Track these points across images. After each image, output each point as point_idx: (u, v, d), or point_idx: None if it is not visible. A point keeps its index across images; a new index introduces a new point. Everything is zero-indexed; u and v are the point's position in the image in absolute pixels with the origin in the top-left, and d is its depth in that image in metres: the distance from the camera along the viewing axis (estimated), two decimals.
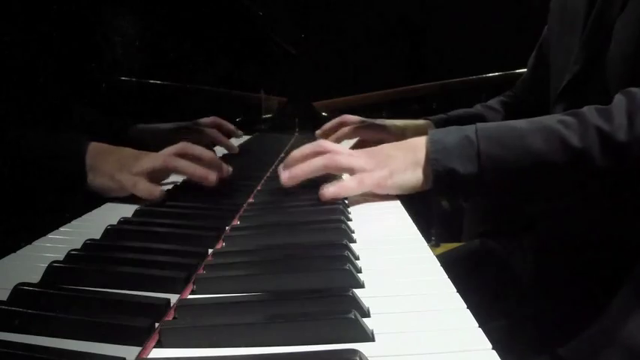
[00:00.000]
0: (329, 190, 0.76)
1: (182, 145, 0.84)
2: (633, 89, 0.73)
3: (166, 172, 0.84)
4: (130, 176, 0.78)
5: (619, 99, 0.73)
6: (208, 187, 0.84)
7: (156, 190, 0.79)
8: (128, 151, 0.81)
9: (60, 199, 0.73)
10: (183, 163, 0.82)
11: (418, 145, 0.76)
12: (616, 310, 0.77)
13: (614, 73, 0.81)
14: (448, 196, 0.78)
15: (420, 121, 1.18)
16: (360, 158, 0.79)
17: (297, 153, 0.82)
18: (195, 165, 0.83)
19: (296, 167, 0.80)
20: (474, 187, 0.73)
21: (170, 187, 0.89)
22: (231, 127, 1.30)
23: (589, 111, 0.73)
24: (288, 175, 0.80)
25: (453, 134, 0.75)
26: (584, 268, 0.85)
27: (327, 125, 1.26)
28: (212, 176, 0.83)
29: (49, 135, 0.76)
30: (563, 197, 0.78)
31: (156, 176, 0.82)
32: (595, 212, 0.85)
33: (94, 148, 0.78)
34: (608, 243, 0.83)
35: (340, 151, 0.81)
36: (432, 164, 0.73)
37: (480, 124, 0.76)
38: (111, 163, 0.78)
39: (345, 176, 0.81)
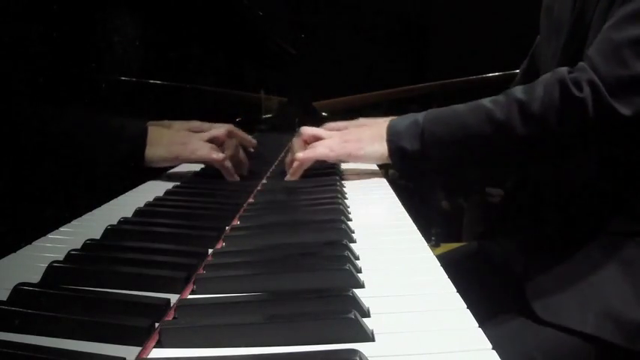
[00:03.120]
0: (302, 155, 0.94)
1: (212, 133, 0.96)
2: (561, 67, 0.81)
3: (226, 137, 0.97)
4: (183, 146, 0.90)
5: (545, 75, 0.82)
6: (208, 187, 0.85)
7: (216, 151, 0.92)
8: (176, 132, 0.94)
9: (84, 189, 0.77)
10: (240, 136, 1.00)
11: (381, 123, 0.92)
12: (592, 275, 0.82)
13: None
14: (402, 171, 0.92)
15: None
16: (334, 140, 0.96)
17: (290, 154, 0.99)
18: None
19: (291, 171, 0.96)
20: (420, 161, 0.87)
21: (171, 187, 0.89)
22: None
23: (516, 88, 0.83)
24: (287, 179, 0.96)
25: (406, 120, 0.89)
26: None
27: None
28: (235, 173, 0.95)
29: (108, 121, 0.85)
30: (497, 167, 0.91)
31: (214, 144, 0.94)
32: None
33: (152, 127, 0.89)
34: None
35: (317, 143, 0.96)
36: (388, 145, 0.89)
37: (430, 110, 0.90)
38: (167, 138, 0.90)
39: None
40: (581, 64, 0.80)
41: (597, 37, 0.82)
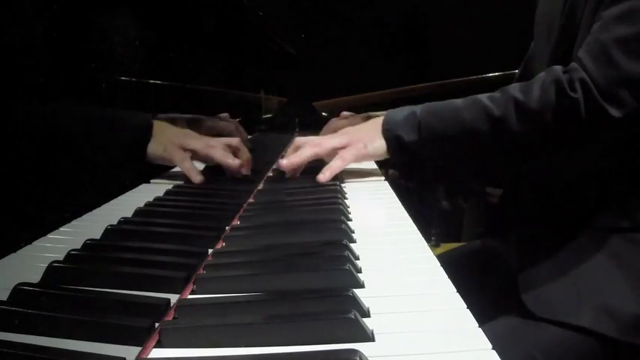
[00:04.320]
0: (324, 175, 0.93)
1: (231, 140, 0.98)
2: (556, 66, 0.83)
3: (205, 158, 0.95)
4: (180, 151, 0.91)
5: (541, 74, 0.84)
6: (208, 187, 0.85)
7: (195, 174, 0.90)
8: (181, 129, 0.96)
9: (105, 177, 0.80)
10: (219, 153, 0.94)
11: (379, 120, 0.93)
12: (585, 270, 0.83)
13: None
14: (401, 163, 0.93)
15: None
16: (335, 138, 0.97)
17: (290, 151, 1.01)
18: (230, 157, 0.94)
19: (291, 157, 0.97)
20: (417, 153, 0.88)
21: (171, 187, 0.89)
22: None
23: (513, 86, 0.86)
24: (286, 162, 0.97)
25: (404, 111, 0.91)
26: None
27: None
28: (240, 170, 0.95)
29: (115, 113, 0.88)
30: (492, 163, 0.91)
31: (198, 158, 0.94)
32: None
33: (156, 122, 0.92)
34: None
35: (319, 140, 0.98)
36: (384, 133, 0.90)
37: (428, 103, 0.91)
38: (168, 136, 0.91)
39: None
40: (573, 64, 0.81)
41: (586, 39, 0.83)
